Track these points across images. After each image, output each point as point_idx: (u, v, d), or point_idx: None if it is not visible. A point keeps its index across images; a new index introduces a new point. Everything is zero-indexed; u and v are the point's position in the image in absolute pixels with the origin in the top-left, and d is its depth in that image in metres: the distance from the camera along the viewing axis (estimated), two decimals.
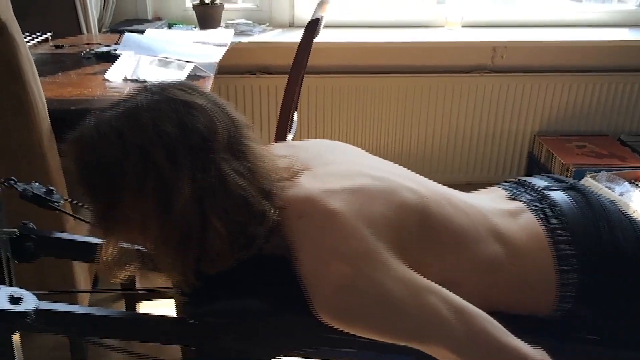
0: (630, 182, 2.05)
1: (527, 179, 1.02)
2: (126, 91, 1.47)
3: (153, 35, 1.90)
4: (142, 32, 1.95)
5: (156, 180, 0.72)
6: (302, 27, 2.37)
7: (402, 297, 0.75)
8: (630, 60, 2.47)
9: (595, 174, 2.08)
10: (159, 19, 2.31)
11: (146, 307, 1.90)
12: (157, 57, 1.60)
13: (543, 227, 0.89)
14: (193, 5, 2.22)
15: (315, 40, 1.56)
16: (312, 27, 1.44)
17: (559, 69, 2.46)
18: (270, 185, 0.79)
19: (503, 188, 1.03)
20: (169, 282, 1.84)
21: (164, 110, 0.74)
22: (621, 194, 1.97)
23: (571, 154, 2.34)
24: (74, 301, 1.50)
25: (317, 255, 0.76)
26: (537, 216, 0.91)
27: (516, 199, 0.97)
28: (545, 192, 0.94)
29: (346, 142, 2.65)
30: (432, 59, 2.43)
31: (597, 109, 2.52)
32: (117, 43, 1.84)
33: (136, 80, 1.52)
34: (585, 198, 0.93)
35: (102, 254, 0.81)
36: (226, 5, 2.27)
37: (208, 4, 2.21)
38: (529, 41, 2.36)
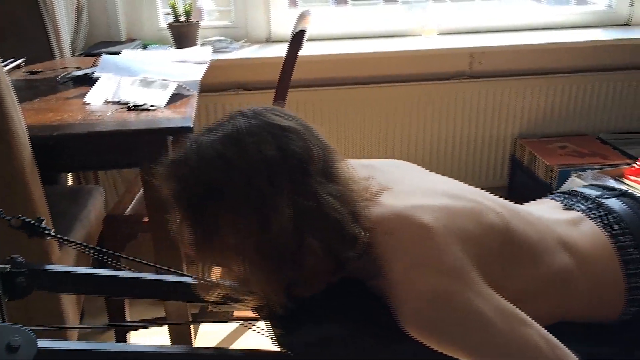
0: (616, 179, 2.07)
1: (577, 189, 1.05)
2: (108, 114, 1.42)
3: (130, 56, 1.85)
4: (117, 53, 1.90)
5: (257, 203, 0.73)
6: (279, 42, 2.38)
7: (491, 318, 0.74)
8: (604, 60, 2.51)
9: (581, 173, 2.09)
10: (133, 39, 2.26)
11: (137, 338, 1.83)
12: (138, 77, 1.55)
13: (606, 234, 0.91)
14: (168, 24, 2.18)
15: None
16: (298, 39, 1.42)
17: (535, 72, 2.49)
18: (358, 208, 0.79)
19: (555, 199, 1.05)
20: (162, 312, 1.76)
21: (263, 135, 0.75)
22: None
23: (554, 155, 2.35)
24: (62, 336, 1.44)
25: (410, 268, 0.76)
26: (597, 224, 0.93)
27: (572, 209, 0.99)
28: (600, 200, 0.97)
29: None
30: (411, 68, 2.43)
31: (575, 110, 2.55)
32: (93, 66, 1.79)
33: (118, 102, 1.48)
34: (639, 203, 0.95)
35: (197, 275, 0.81)
36: (201, 23, 2.24)
37: (183, 22, 2.17)
38: (505, 45, 2.38)
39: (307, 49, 2.22)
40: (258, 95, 2.33)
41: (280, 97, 1.51)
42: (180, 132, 1.35)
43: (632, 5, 2.53)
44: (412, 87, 2.42)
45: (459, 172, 2.59)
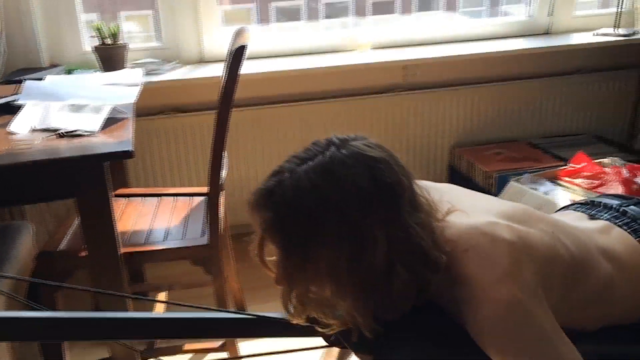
0: (551, 181, 2.13)
1: (597, 199, 1.11)
2: (37, 142, 1.32)
3: (56, 81, 1.74)
4: (40, 79, 1.78)
5: (351, 232, 0.76)
6: (213, 61, 2.32)
7: (555, 340, 0.77)
8: (528, 68, 2.61)
9: (519, 177, 2.14)
10: (56, 65, 2.14)
11: None
12: (68, 102, 1.45)
13: (636, 239, 0.97)
14: (95, 47, 2.08)
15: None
16: (239, 56, 1.37)
17: (466, 82, 2.55)
18: (436, 232, 0.82)
19: (577, 210, 1.10)
20: (104, 353, 1.65)
21: (356, 166, 0.78)
22: (546, 193, 2.04)
23: (491, 162, 2.41)
24: None
25: (490, 280, 0.78)
26: (625, 230, 0.98)
27: (598, 218, 1.04)
28: (623, 208, 1.03)
29: (274, 166, 2.59)
30: (347, 83, 2.44)
31: (505, 117, 2.63)
32: (14, 93, 1.66)
33: (47, 130, 1.37)
34: None
35: (285, 302, 0.84)
36: (130, 45, 2.15)
37: (110, 45, 2.07)
38: (436, 57, 2.42)
39: (243, 68, 2.18)
40: (195, 117, 2.26)
41: (223, 117, 1.45)
42: (118, 157, 1.27)
43: (551, 14, 2.65)
44: (349, 102, 2.43)
45: None
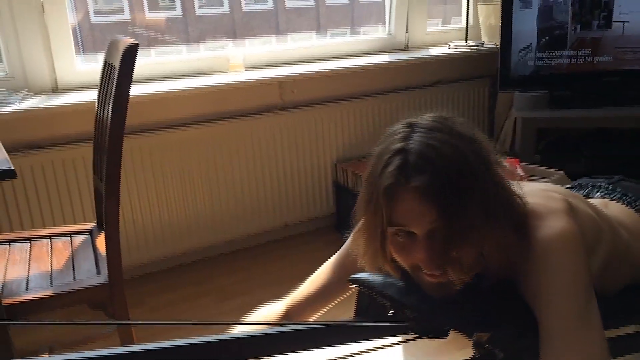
0: None
1: (581, 181, 1.24)
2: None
3: None
4: None
5: (487, 172, 0.83)
6: (69, 90, 2.06)
7: (588, 296, 0.81)
8: (393, 81, 2.70)
9: None
10: None
11: None
12: None
13: (632, 209, 1.09)
14: None
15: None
16: (130, 58, 1.19)
17: (341, 97, 2.56)
18: None
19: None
20: None
21: (450, 124, 0.86)
22: None
23: None
24: None
25: (544, 213, 0.86)
26: (621, 203, 1.10)
27: (592, 197, 1.15)
28: (611, 185, 1.16)
29: (153, 199, 2.31)
30: (224, 104, 2.31)
31: (378, 129, 2.67)
32: None
33: None
34: (638, 184, 1.18)
35: (451, 270, 0.85)
36: None
37: None
38: (310, 72, 2.40)
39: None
40: (57, 152, 1.97)
41: (114, 144, 1.23)
42: None
43: (407, 31, 2.79)
44: (229, 124, 2.30)
45: (287, 205, 2.51)
